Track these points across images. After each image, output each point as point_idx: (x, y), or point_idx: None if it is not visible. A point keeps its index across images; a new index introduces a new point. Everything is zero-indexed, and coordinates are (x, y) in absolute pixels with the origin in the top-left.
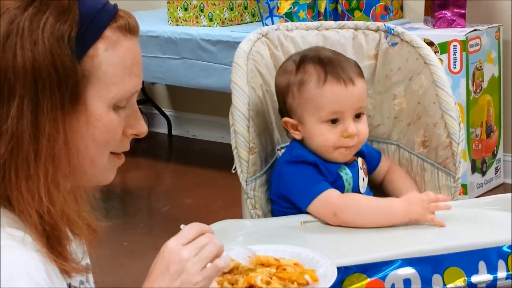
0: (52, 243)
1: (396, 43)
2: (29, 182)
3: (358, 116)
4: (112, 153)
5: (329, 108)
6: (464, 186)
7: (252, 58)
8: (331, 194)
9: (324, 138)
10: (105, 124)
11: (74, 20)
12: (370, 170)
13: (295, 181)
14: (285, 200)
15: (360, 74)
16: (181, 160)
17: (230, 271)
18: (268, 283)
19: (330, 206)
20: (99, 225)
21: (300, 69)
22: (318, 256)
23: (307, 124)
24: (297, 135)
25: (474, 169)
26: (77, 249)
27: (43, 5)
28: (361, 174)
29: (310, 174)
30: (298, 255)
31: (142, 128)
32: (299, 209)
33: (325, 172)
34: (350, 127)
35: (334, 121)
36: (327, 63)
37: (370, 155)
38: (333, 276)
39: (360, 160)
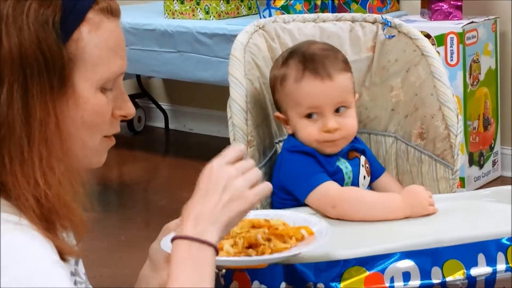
0: (48, 227)
1: (393, 36)
2: (23, 166)
3: (338, 110)
4: (104, 136)
5: (307, 103)
6: (462, 179)
7: (249, 50)
8: (330, 186)
9: (306, 132)
10: (93, 106)
11: (56, 4)
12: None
13: (294, 171)
14: (284, 192)
15: (344, 69)
16: (178, 154)
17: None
18: (269, 240)
19: (329, 198)
20: (93, 213)
21: (285, 63)
22: (303, 215)
23: (291, 118)
24: (289, 130)
25: (471, 162)
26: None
27: None
28: (363, 171)
29: (309, 164)
30: (281, 216)
31: (130, 109)
32: (298, 201)
33: (324, 162)
34: (330, 122)
35: (310, 116)
36: (308, 59)
37: (372, 162)
38: (327, 232)
39: (363, 158)
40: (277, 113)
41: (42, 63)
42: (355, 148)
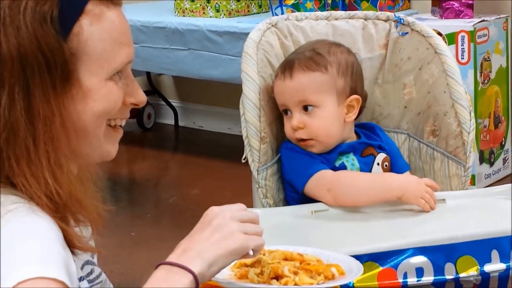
0: (62, 219)
1: (406, 33)
2: (31, 167)
3: (306, 109)
4: (109, 126)
5: (278, 101)
6: (472, 176)
7: (262, 48)
8: (325, 172)
9: (285, 129)
10: (105, 96)
11: (53, 0)
12: None
13: (292, 164)
14: (289, 185)
15: (310, 68)
16: (188, 151)
17: (252, 265)
18: (295, 273)
19: (324, 182)
20: (105, 208)
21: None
22: (340, 255)
23: None
24: None
25: (482, 160)
26: (83, 232)
27: None
28: (377, 169)
29: (305, 157)
30: (318, 254)
31: (141, 97)
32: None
33: (321, 159)
34: (293, 120)
35: (286, 113)
36: (288, 58)
37: (396, 160)
38: (359, 271)
39: (381, 156)
40: None
41: (42, 62)
42: (372, 145)
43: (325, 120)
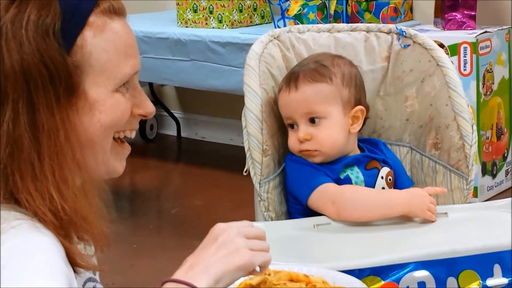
0: (66, 236)
1: (408, 45)
2: (36, 182)
3: (313, 121)
4: (116, 140)
5: (283, 114)
6: (475, 188)
7: (264, 60)
8: (329, 185)
9: (289, 142)
10: (111, 107)
11: (55, 13)
12: None
13: (296, 176)
14: (293, 197)
15: (316, 79)
16: (190, 162)
17: (258, 285)
18: None
19: (328, 195)
20: (109, 224)
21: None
22: (345, 276)
23: None
24: None
25: (484, 172)
26: (86, 250)
27: (23, 4)
28: (381, 183)
29: (309, 169)
30: (324, 274)
31: (149, 108)
32: (303, 206)
33: (325, 171)
34: (300, 132)
35: (292, 126)
36: (292, 71)
37: (400, 176)
38: None
39: (385, 170)
40: None
41: (46, 76)
42: (376, 159)
43: (332, 130)
